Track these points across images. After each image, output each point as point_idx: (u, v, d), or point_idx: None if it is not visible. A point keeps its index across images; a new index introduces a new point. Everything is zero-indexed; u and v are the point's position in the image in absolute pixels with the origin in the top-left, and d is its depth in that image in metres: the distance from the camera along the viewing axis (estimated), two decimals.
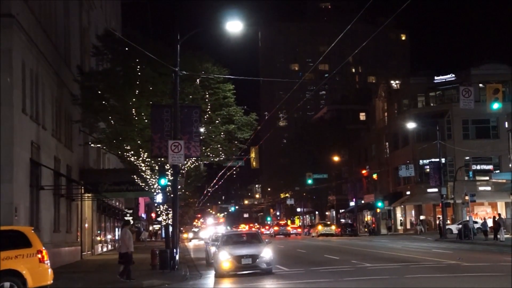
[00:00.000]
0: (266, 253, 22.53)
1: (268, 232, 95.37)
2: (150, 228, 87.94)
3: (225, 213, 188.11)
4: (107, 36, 32.21)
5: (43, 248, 15.93)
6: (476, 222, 50.89)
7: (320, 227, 77.09)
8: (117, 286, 20.41)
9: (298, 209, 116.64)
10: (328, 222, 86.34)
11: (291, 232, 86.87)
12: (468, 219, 47.89)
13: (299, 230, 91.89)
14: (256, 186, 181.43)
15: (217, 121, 31.38)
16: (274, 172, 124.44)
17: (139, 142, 29.42)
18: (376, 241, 50.69)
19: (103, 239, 47.90)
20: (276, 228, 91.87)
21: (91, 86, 30.53)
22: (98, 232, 44.94)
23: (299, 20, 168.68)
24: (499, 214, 51.60)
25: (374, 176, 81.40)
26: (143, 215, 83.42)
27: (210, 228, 79.79)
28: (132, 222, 58.52)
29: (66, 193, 31.62)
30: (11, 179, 21.86)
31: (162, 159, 27.38)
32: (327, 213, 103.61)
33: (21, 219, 22.78)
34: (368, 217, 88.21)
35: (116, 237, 56.66)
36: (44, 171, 26.46)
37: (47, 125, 27.34)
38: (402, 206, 75.70)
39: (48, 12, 28.46)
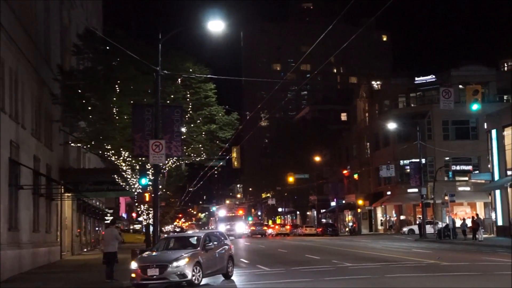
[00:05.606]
0: (181, 262, 18.23)
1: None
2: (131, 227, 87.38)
3: (206, 213, 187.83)
4: (88, 35, 31.98)
5: None
6: (454, 223, 51.27)
7: (277, 227, 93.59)
8: (98, 286, 20.28)
9: (280, 209, 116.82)
10: (283, 223, 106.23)
11: (268, 232, 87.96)
12: (447, 219, 48.30)
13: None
14: (238, 186, 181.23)
15: (198, 121, 31.36)
16: (255, 172, 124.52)
17: (119, 140, 29.28)
18: (357, 241, 50.95)
19: (83, 239, 47.58)
20: (253, 228, 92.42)
21: (71, 85, 30.32)
22: (78, 232, 44.63)
23: (282, 20, 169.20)
24: (477, 214, 52.10)
25: (355, 176, 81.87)
26: (124, 215, 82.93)
27: (221, 226, 75.37)
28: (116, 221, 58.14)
29: (46, 192, 31.32)
30: None
31: (143, 158, 27.26)
32: (308, 213, 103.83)
33: (0, 218, 22.55)
34: (349, 217, 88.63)
35: (98, 237, 56.32)
36: (24, 170, 26.20)
37: (26, 124, 27.08)
38: (382, 206, 76.16)
39: (28, 11, 28.17)
